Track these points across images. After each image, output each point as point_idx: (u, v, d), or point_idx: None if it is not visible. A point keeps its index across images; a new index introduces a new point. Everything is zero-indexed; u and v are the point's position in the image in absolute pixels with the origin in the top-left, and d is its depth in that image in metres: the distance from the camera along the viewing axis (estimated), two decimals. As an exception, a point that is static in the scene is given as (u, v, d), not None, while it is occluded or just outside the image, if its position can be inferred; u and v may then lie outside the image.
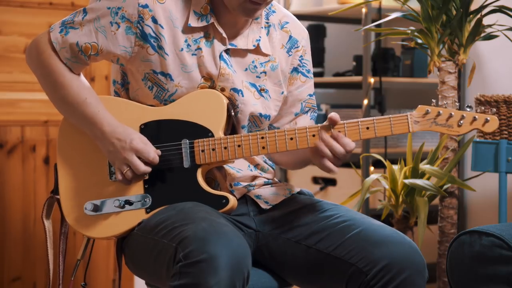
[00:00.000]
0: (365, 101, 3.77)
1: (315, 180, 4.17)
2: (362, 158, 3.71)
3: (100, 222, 2.17)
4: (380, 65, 3.86)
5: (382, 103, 3.97)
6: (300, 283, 2.19)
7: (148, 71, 2.16)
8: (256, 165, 2.28)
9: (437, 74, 3.09)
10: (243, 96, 2.19)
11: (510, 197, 3.53)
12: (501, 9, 3.02)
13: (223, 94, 2.17)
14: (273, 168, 2.34)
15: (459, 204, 3.33)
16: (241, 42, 2.20)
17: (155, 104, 2.18)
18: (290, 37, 2.29)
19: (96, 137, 2.15)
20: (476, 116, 2.06)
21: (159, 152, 2.13)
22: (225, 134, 2.16)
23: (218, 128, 2.14)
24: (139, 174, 2.13)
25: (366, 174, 3.72)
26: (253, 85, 2.22)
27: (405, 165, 3.14)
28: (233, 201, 2.12)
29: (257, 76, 2.23)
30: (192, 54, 2.16)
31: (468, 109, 2.07)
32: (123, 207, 2.15)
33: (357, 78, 3.88)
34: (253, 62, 2.23)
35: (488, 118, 2.06)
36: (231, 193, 2.18)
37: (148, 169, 2.12)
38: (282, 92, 2.28)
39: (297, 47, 2.30)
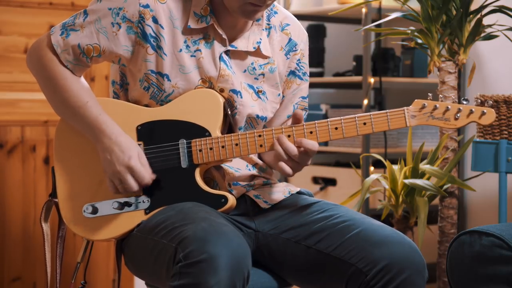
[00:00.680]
0: (365, 101, 3.77)
1: (315, 180, 4.17)
2: (362, 158, 3.71)
3: (99, 224, 2.17)
4: (380, 65, 3.86)
5: (382, 103, 3.98)
6: (300, 283, 2.19)
7: (146, 71, 2.16)
8: (255, 164, 2.28)
9: (437, 74, 3.09)
10: (241, 97, 2.19)
11: (510, 197, 3.53)
12: (501, 9, 3.02)
13: (222, 95, 2.17)
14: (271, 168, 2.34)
15: (459, 204, 3.32)
16: (241, 43, 2.20)
17: (151, 104, 2.18)
18: (290, 39, 2.29)
19: (96, 140, 2.15)
20: (473, 109, 2.06)
21: (153, 176, 2.13)
22: (222, 134, 2.16)
23: (215, 127, 2.14)
24: (131, 192, 2.13)
25: (366, 174, 3.71)
26: (251, 86, 2.22)
27: (405, 165, 3.14)
28: (232, 200, 2.12)
29: (255, 78, 2.23)
30: (191, 55, 2.16)
31: (464, 103, 2.07)
32: (122, 208, 2.15)
33: (357, 78, 3.88)
34: (252, 63, 2.23)
35: (485, 111, 2.06)
36: (230, 192, 2.18)
37: (138, 190, 2.12)
38: (279, 94, 2.28)
39: (295, 50, 2.29)
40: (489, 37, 3.10)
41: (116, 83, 2.25)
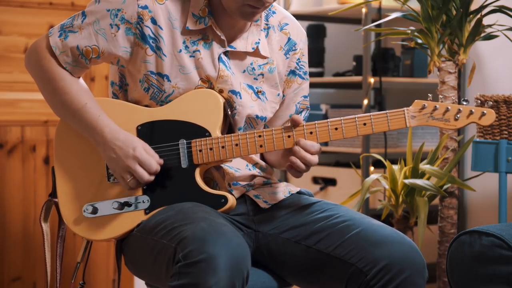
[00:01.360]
0: (365, 101, 3.77)
1: (315, 180, 4.17)
2: (362, 158, 3.71)
3: (99, 224, 2.17)
4: (380, 65, 3.86)
5: (382, 103, 3.97)
6: (300, 283, 2.19)
7: (145, 72, 2.16)
8: (255, 164, 2.28)
9: (437, 74, 3.09)
10: (241, 98, 2.19)
11: (510, 197, 3.53)
12: (501, 9, 3.02)
13: (221, 96, 2.17)
14: (272, 167, 2.34)
15: (459, 204, 3.32)
16: (240, 44, 2.20)
17: (151, 105, 2.18)
18: (289, 39, 2.28)
19: (96, 142, 2.15)
20: (473, 110, 2.06)
21: (161, 161, 2.13)
22: (222, 134, 2.16)
23: (215, 128, 2.14)
24: (143, 182, 2.12)
25: (366, 174, 3.71)
26: (250, 87, 2.22)
27: (405, 165, 3.14)
28: (232, 200, 2.12)
29: (254, 78, 2.23)
30: (190, 56, 2.16)
31: (464, 103, 2.07)
32: (122, 208, 2.15)
33: (357, 78, 3.88)
34: (251, 64, 2.22)
35: (485, 112, 2.06)
36: (230, 192, 2.18)
37: (151, 178, 2.12)
38: (278, 94, 2.28)
39: (295, 49, 2.29)
40: (489, 37, 3.10)
41: (115, 84, 2.25)
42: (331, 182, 4.10)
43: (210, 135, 2.13)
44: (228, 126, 2.19)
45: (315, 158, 2.11)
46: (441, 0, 2.98)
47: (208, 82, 2.17)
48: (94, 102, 2.17)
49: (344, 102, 4.47)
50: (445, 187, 3.07)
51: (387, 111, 2.08)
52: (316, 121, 2.10)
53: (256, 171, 2.26)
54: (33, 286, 3.30)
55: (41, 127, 3.29)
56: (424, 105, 2.07)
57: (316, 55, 4.22)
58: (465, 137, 3.82)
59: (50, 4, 3.29)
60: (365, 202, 3.63)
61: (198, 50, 2.16)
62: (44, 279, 3.30)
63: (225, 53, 2.19)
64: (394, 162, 3.24)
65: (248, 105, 2.20)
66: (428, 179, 3.08)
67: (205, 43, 2.17)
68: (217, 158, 2.12)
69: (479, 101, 2.96)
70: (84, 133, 2.17)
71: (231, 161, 2.17)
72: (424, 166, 3.09)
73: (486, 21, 3.06)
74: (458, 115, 2.06)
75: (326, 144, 4.03)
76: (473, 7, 3.06)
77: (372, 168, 3.77)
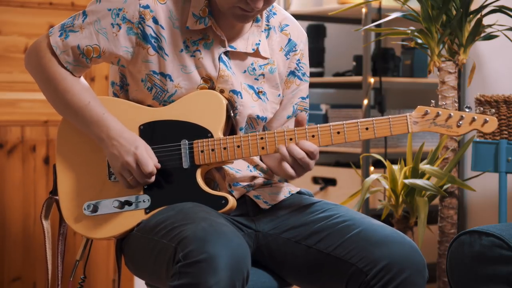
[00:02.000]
0: (365, 101, 3.77)
1: (315, 180, 4.17)
2: (362, 158, 3.71)
3: (99, 222, 2.17)
4: (380, 65, 3.86)
5: (382, 103, 3.97)
6: (300, 283, 2.19)
7: (148, 72, 2.16)
8: (256, 166, 2.28)
9: (437, 74, 3.09)
10: (241, 98, 2.19)
11: (510, 197, 3.53)
12: (501, 9, 3.02)
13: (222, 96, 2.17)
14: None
15: (459, 204, 3.32)
16: (240, 44, 2.20)
17: (154, 104, 2.18)
18: (289, 40, 2.29)
19: (100, 139, 2.15)
20: (475, 117, 2.07)
21: (158, 165, 2.12)
22: (224, 135, 2.16)
23: (217, 129, 2.14)
24: (142, 182, 2.12)
25: (366, 174, 3.72)
26: (251, 87, 2.22)
27: (405, 165, 3.14)
28: (232, 201, 2.12)
29: (255, 78, 2.23)
30: (191, 56, 2.16)
31: (467, 110, 2.08)
32: (122, 207, 2.15)
33: (357, 78, 3.88)
34: (252, 64, 2.23)
35: (487, 119, 2.06)
36: (230, 193, 2.18)
37: (149, 180, 2.12)
38: (279, 95, 2.28)
39: (295, 50, 2.29)
40: (489, 37, 3.10)
41: (116, 84, 2.25)
42: (331, 182, 4.10)
43: (212, 136, 2.13)
44: (230, 128, 2.19)
45: (312, 161, 2.11)
46: (441, 0, 2.98)
47: (210, 81, 2.17)
48: (97, 100, 2.17)
49: (344, 102, 4.47)
50: (445, 187, 3.07)
51: (390, 116, 2.08)
52: (318, 125, 2.10)
53: (256, 173, 2.26)
54: (33, 286, 3.30)
55: (41, 127, 3.29)
56: (427, 111, 2.07)
57: (316, 55, 4.22)
58: (465, 137, 3.82)
59: (50, 4, 3.29)
60: (365, 202, 3.63)
61: (199, 50, 2.16)
62: (45, 277, 3.30)
63: (226, 53, 2.19)
64: (394, 162, 3.25)
65: (249, 105, 2.20)
66: (428, 179, 3.09)
67: (205, 43, 2.17)
68: (219, 159, 2.12)
69: (479, 101, 2.97)
70: (87, 131, 2.17)
71: (232, 162, 2.17)
72: (424, 166, 3.09)
73: (486, 21, 3.06)
74: (461, 122, 2.06)
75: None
76: (473, 7, 3.06)
77: (372, 168, 3.77)
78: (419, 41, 3.12)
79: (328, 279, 2.10)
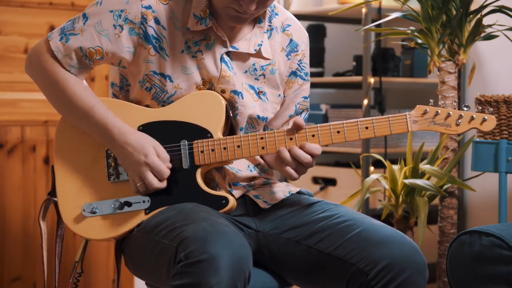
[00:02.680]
0: (365, 101, 3.77)
1: (315, 180, 4.17)
2: (362, 158, 3.71)
3: (98, 223, 2.17)
4: (380, 65, 3.86)
5: (382, 103, 3.97)
6: (301, 283, 2.19)
7: (147, 72, 2.15)
8: (256, 165, 2.28)
9: (437, 74, 3.09)
10: (242, 98, 2.19)
11: (510, 197, 3.53)
12: (501, 9, 3.02)
13: (223, 96, 2.17)
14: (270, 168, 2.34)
15: (459, 204, 3.33)
16: (242, 45, 2.20)
17: (153, 105, 2.18)
18: (291, 40, 2.29)
19: (107, 142, 2.14)
20: (474, 115, 2.08)
21: (170, 165, 2.12)
22: (223, 135, 2.16)
23: (217, 129, 2.14)
24: (152, 190, 2.12)
25: (366, 174, 3.72)
26: (252, 87, 2.22)
27: (405, 165, 3.14)
28: (232, 201, 2.12)
29: (255, 78, 2.23)
30: (193, 56, 2.16)
31: (465, 109, 2.09)
32: (122, 208, 2.15)
33: (357, 78, 3.88)
34: (253, 64, 2.23)
35: (486, 117, 2.08)
36: (230, 193, 2.18)
37: (162, 185, 2.11)
38: (279, 95, 2.28)
39: (297, 51, 2.30)
40: (489, 37, 3.10)
41: (116, 85, 2.25)
42: (331, 182, 4.10)
43: (212, 136, 2.13)
44: (230, 128, 2.19)
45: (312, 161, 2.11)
46: (441, 0, 2.98)
47: (209, 83, 2.17)
48: (101, 103, 2.16)
49: (344, 102, 4.47)
50: (445, 187, 3.07)
51: (390, 115, 2.09)
52: (318, 124, 2.10)
53: (257, 172, 2.26)
54: (33, 286, 3.30)
55: (41, 127, 3.29)
56: (426, 110, 2.08)
57: (316, 55, 4.22)
58: (465, 137, 3.82)
59: (50, 4, 3.28)
60: (365, 202, 3.63)
61: (200, 51, 2.16)
62: (42, 279, 3.30)
63: (228, 53, 2.19)
64: (394, 162, 3.25)
65: (249, 105, 2.20)
66: (428, 179, 3.09)
67: (207, 43, 2.17)
68: (219, 159, 2.12)
69: (479, 101, 2.97)
70: (93, 134, 2.16)
71: (232, 162, 2.17)
72: (424, 166, 3.09)
73: (486, 21, 3.06)
74: (460, 121, 2.08)
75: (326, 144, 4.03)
76: (473, 7, 3.06)
77: (372, 168, 3.77)
78: (419, 41, 3.12)
79: (328, 279, 2.10)
